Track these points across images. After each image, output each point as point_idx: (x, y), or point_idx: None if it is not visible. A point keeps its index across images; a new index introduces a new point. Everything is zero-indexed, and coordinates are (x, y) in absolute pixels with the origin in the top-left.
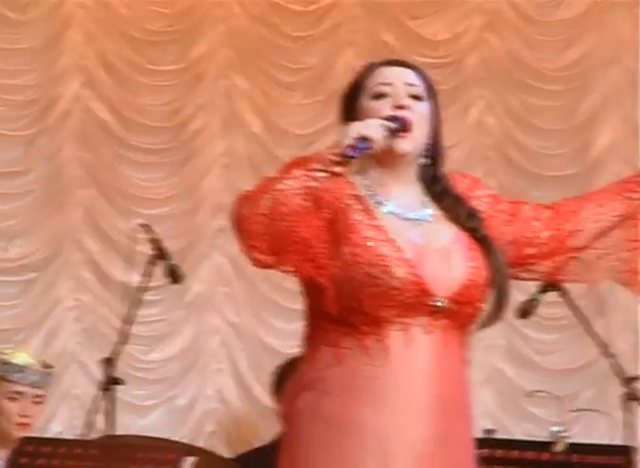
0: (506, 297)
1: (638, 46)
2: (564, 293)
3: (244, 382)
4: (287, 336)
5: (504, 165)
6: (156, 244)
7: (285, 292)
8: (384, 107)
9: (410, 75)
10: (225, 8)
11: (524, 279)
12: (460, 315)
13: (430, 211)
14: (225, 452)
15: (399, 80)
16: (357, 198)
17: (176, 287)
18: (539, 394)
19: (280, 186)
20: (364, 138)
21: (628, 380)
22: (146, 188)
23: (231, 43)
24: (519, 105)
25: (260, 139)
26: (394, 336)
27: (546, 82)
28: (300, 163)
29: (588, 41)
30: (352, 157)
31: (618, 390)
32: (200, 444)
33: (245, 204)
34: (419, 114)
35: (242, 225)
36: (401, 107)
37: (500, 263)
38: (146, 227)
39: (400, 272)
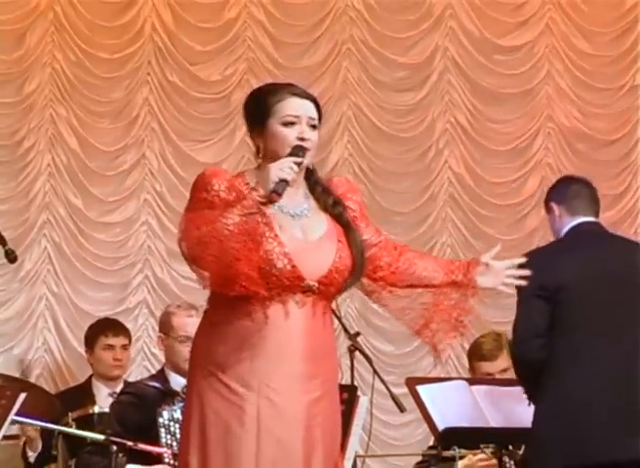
0: (361, 273)
1: (362, 85)
2: None
3: (64, 338)
4: (96, 303)
5: None
6: None
7: (95, 269)
8: (292, 134)
9: (312, 109)
10: (50, 55)
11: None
12: (325, 293)
13: (308, 204)
14: (48, 390)
15: (305, 113)
16: None
17: (12, 265)
18: None
19: (225, 232)
20: (283, 180)
21: (352, 336)
22: None
23: (55, 82)
24: None
25: (76, 155)
26: (274, 308)
27: None
28: (206, 181)
29: (325, 81)
30: (277, 200)
31: (345, 343)
32: None
33: (197, 246)
34: (314, 141)
35: (198, 263)
36: (304, 139)
37: (358, 248)
38: None
39: (280, 264)
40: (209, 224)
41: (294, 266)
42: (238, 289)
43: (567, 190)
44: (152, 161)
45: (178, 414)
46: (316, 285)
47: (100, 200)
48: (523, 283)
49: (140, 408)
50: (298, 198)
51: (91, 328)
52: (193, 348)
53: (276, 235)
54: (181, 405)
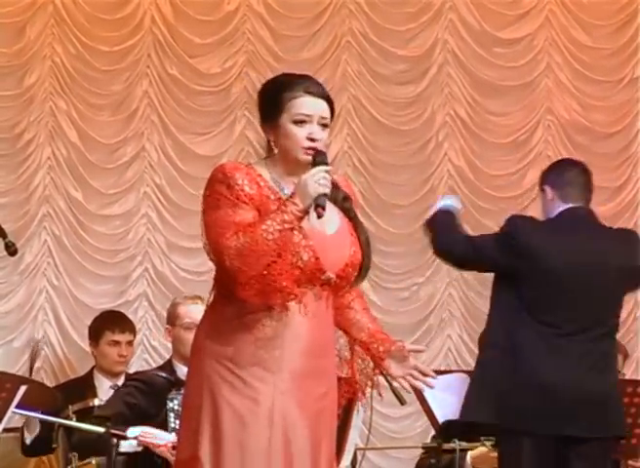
0: (368, 268)
1: (361, 78)
2: None
3: (64, 330)
4: (96, 295)
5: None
6: None
7: (95, 262)
8: (302, 134)
9: (325, 108)
10: (50, 48)
11: None
12: (338, 286)
13: None
14: (49, 382)
15: (316, 112)
16: (271, 190)
17: (12, 258)
18: None
19: (265, 247)
20: (323, 195)
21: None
22: None
23: (55, 75)
24: None
25: (76, 147)
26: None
27: None
28: (229, 176)
29: (325, 74)
30: (323, 215)
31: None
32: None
33: (238, 258)
34: (324, 141)
35: (237, 275)
36: (314, 140)
37: (365, 240)
38: None
39: (305, 256)
40: (247, 234)
41: (317, 258)
42: (280, 300)
43: (562, 176)
44: (152, 154)
45: None
46: (334, 278)
47: (100, 193)
48: (422, 387)
49: (147, 394)
50: None
51: (96, 320)
52: (200, 341)
53: (300, 227)
54: None
